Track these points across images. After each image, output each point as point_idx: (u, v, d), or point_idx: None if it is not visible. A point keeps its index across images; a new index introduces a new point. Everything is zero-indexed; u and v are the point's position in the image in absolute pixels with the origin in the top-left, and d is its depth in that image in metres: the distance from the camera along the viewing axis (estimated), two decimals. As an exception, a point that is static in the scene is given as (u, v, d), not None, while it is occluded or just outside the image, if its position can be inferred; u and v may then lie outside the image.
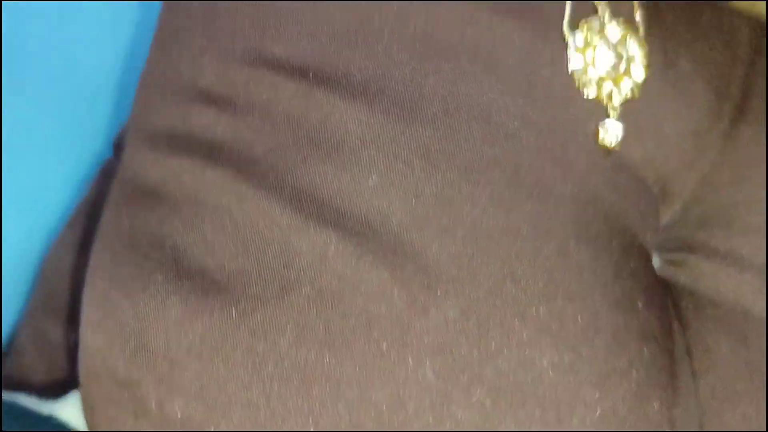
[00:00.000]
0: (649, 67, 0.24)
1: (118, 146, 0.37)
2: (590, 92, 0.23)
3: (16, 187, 0.42)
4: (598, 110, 0.24)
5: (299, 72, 0.23)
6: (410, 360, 0.20)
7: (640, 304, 0.23)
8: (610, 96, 0.23)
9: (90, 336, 0.22)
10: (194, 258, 0.22)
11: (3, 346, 0.37)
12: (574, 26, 0.23)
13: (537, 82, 0.23)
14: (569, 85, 0.23)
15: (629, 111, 0.24)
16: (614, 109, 0.23)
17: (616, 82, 0.23)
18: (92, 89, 0.43)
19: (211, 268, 0.22)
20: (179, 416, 0.20)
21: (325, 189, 0.22)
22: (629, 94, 0.23)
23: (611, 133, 0.23)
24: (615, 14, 0.24)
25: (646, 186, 0.24)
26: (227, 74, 0.24)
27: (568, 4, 0.23)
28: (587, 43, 0.23)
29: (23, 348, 0.35)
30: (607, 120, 0.23)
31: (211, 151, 0.23)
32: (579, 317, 0.21)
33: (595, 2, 0.24)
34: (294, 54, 0.23)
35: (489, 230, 0.21)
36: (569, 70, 0.23)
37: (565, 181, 0.23)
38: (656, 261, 0.26)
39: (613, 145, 0.23)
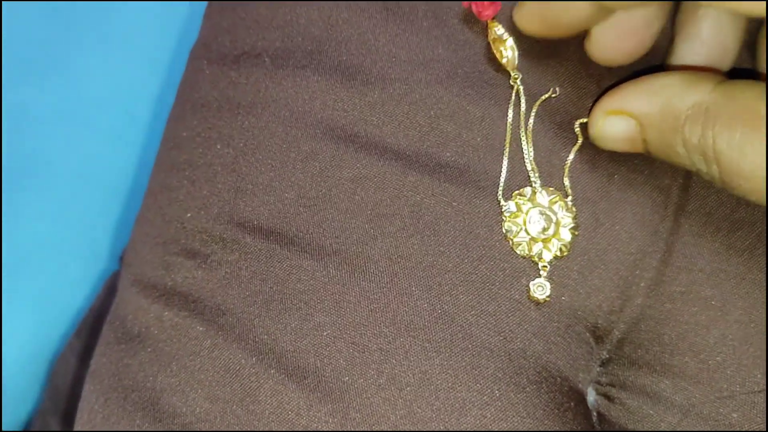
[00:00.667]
0: (576, 228, 0.27)
1: (122, 259, 0.40)
2: (522, 251, 0.26)
3: (31, 288, 0.45)
4: (530, 267, 0.27)
5: (265, 233, 0.27)
6: None
7: None
8: (540, 255, 0.27)
9: None
10: (168, 401, 0.25)
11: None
12: (507, 196, 0.27)
13: (472, 243, 0.26)
14: (503, 244, 0.27)
15: (559, 267, 0.27)
16: (544, 267, 0.26)
17: (545, 243, 0.27)
18: (100, 203, 0.47)
19: (182, 412, 0.25)
20: None
21: (283, 341, 0.25)
22: (558, 253, 0.27)
23: (540, 290, 0.26)
24: (546, 182, 0.27)
25: (577, 331, 0.27)
26: (205, 232, 0.28)
27: (502, 175, 0.27)
28: (519, 209, 0.27)
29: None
30: (537, 279, 0.26)
31: (187, 303, 0.27)
32: None
33: (528, 170, 0.27)
34: (261, 216, 0.27)
35: (425, 382, 0.25)
36: (504, 231, 0.26)
37: (496, 334, 0.26)
38: (592, 394, 0.28)
39: (542, 299, 0.26)
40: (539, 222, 0.27)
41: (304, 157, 0.28)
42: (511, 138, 0.27)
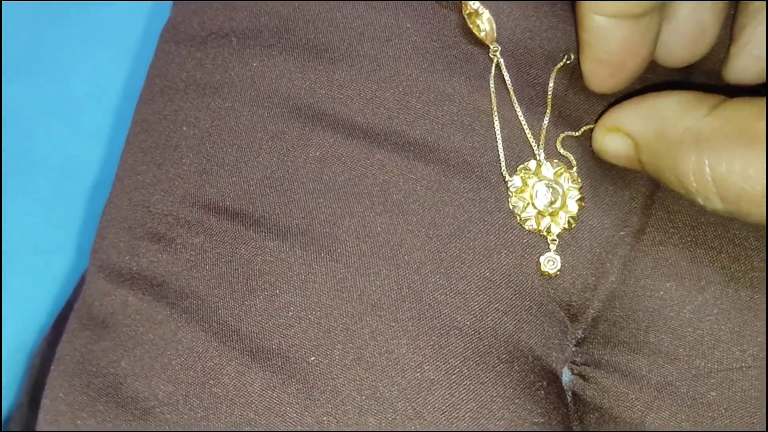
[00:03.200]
0: (582, 200, 0.26)
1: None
2: (530, 226, 0.26)
3: (12, 284, 0.45)
4: (501, 245, 0.26)
5: (231, 214, 0.26)
6: None
7: (538, 426, 0.25)
8: (548, 229, 0.26)
9: None
10: (131, 386, 0.25)
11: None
12: (512, 171, 0.26)
13: (442, 221, 0.26)
14: (472, 223, 0.26)
15: (531, 243, 0.26)
16: (553, 240, 0.26)
17: (553, 216, 0.26)
18: (84, 200, 0.47)
19: (145, 396, 0.24)
20: None
21: (248, 323, 0.25)
22: (566, 226, 0.26)
23: (551, 264, 0.26)
24: (549, 155, 0.27)
25: (549, 310, 0.26)
26: (170, 215, 0.27)
27: (501, 152, 0.26)
28: (525, 184, 0.26)
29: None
30: (547, 253, 0.26)
31: (152, 287, 0.26)
32: None
33: (532, 144, 0.27)
34: (227, 197, 0.27)
35: (392, 362, 0.24)
36: (510, 207, 0.26)
37: (465, 313, 0.25)
38: (567, 374, 0.28)
39: (553, 273, 0.26)
40: (546, 195, 0.26)
41: (271, 137, 0.27)
42: (494, 111, 0.27)
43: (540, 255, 0.26)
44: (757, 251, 0.26)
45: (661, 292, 0.26)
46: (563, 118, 0.27)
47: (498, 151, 0.27)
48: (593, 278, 0.27)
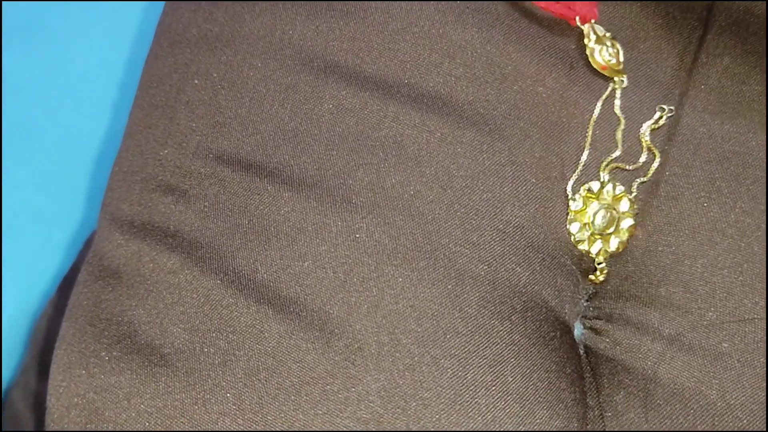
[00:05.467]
0: (635, 226, 0.27)
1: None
2: (583, 247, 0.26)
3: (15, 253, 0.45)
4: (512, 196, 0.26)
5: (245, 166, 0.26)
6: (334, 427, 0.23)
7: (552, 374, 0.25)
8: (598, 252, 0.27)
9: (54, 402, 0.25)
10: (146, 334, 0.25)
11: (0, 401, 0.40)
12: (576, 189, 0.26)
13: (456, 173, 0.26)
14: (486, 175, 0.26)
15: (547, 198, 0.26)
16: (599, 264, 0.27)
17: (604, 240, 0.27)
18: (87, 162, 0.46)
19: (160, 343, 0.24)
20: None
21: (264, 272, 0.25)
22: (614, 251, 0.27)
23: (600, 276, 0.27)
24: (613, 177, 0.27)
25: (562, 263, 0.27)
26: (183, 167, 0.27)
27: (578, 169, 0.26)
28: (585, 205, 0.26)
29: (16, 403, 0.38)
30: (599, 273, 0.27)
31: (166, 237, 0.26)
32: (491, 387, 0.24)
33: (601, 165, 0.27)
34: (240, 148, 0.27)
35: (408, 310, 0.24)
36: (567, 228, 0.26)
37: (480, 263, 0.25)
38: (579, 328, 0.28)
39: (600, 280, 0.27)
40: (603, 220, 0.26)
41: (283, 89, 0.27)
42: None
43: (553, 208, 0.26)
44: None
45: (674, 247, 0.26)
46: (575, 71, 0.27)
47: (578, 167, 0.27)
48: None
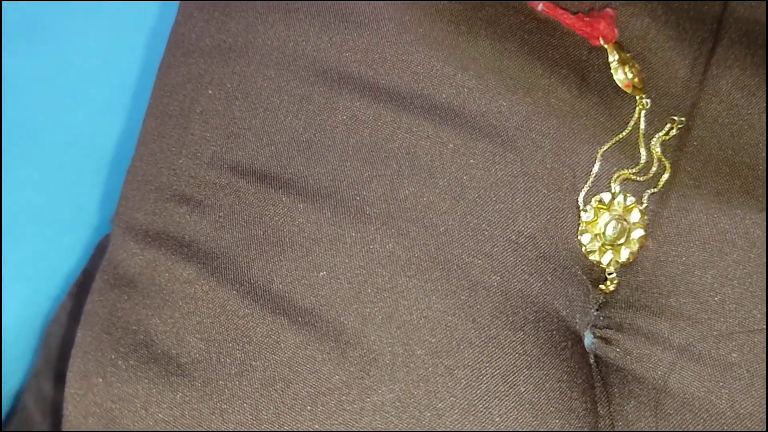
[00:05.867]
0: (645, 237, 0.27)
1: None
2: (594, 258, 0.27)
3: (24, 256, 0.45)
4: (525, 207, 0.26)
5: (259, 176, 0.27)
6: None
7: (564, 384, 0.25)
8: (609, 263, 0.27)
9: (71, 409, 0.25)
10: (162, 343, 0.25)
11: (11, 404, 0.40)
12: (587, 200, 0.27)
13: (469, 184, 0.26)
14: (498, 186, 0.26)
15: (557, 209, 0.27)
16: (610, 273, 0.27)
17: (615, 251, 0.27)
18: (95, 165, 0.47)
19: (177, 353, 0.25)
20: None
21: (279, 282, 0.25)
22: (625, 261, 0.27)
23: (611, 285, 0.27)
24: (624, 188, 0.27)
25: (573, 273, 0.27)
26: (197, 177, 0.27)
27: (588, 182, 0.27)
28: (596, 215, 0.27)
29: (28, 407, 0.38)
30: (610, 283, 0.27)
31: (181, 247, 0.26)
32: (504, 397, 0.24)
33: (612, 177, 0.27)
34: (255, 159, 0.27)
35: (421, 321, 0.24)
36: (578, 239, 0.26)
37: (493, 274, 0.25)
38: (589, 337, 0.28)
39: (613, 289, 0.27)
40: (614, 231, 0.27)
41: (297, 100, 0.27)
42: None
43: (564, 219, 0.27)
44: None
45: (684, 258, 0.27)
46: (587, 83, 0.27)
47: (589, 178, 0.27)
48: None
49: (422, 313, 0.24)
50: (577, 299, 0.27)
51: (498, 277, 0.25)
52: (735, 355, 0.25)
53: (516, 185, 0.26)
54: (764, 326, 0.26)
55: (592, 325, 0.28)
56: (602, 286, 0.27)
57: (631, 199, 0.27)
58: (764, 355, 0.25)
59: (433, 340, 0.24)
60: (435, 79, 0.27)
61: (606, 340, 0.27)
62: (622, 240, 0.27)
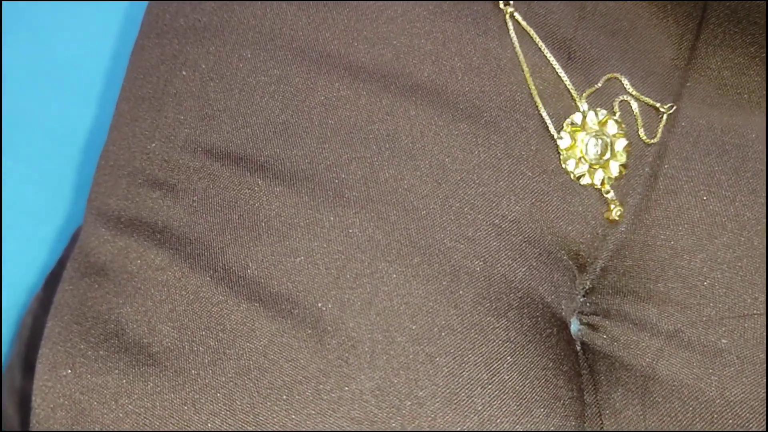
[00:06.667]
0: (630, 145, 0.26)
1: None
2: (586, 181, 0.26)
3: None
4: (507, 191, 0.26)
5: (235, 159, 0.26)
6: (327, 427, 0.22)
7: (549, 372, 0.24)
8: (602, 181, 0.26)
9: (39, 402, 0.24)
10: (134, 332, 0.24)
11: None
12: (558, 128, 0.26)
13: (451, 167, 0.25)
14: (482, 168, 0.25)
15: (541, 192, 0.26)
16: (607, 191, 0.26)
17: (605, 168, 0.26)
18: (69, 155, 0.46)
19: (148, 342, 0.24)
20: None
21: (255, 268, 0.24)
22: (618, 174, 0.26)
23: (615, 210, 0.26)
24: (593, 104, 0.26)
25: (558, 258, 0.26)
26: (171, 161, 0.26)
27: (544, 113, 0.26)
28: (573, 139, 0.26)
29: (3, 401, 0.37)
30: (613, 207, 0.26)
31: (154, 233, 0.25)
32: (488, 385, 0.23)
33: (573, 94, 0.26)
34: (230, 142, 0.26)
35: (402, 307, 0.23)
36: (562, 166, 0.26)
37: (476, 259, 0.25)
38: (576, 324, 0.27)
39: (618, 218, 0.26)
40: (596, 148, 0.26)
41: (274, 80, 0.26)
42: (523, 64, 0.26)
43: (550, 203, 0.26)
44: None
45: (672, 242, 0.26)
46: (573, 61, 0.27)
47: (537, 107, 0.26)
48: (602, 228, 0.26)
49: (403, 300, 0.24)
50: (563, 285, 0.26)
51: (481, 263, 0.25)
52: (725, 341, 0.25)
53: (500, 168, 0.26)
54: (755, 311, 0.25)
55: (579, 312, 0.27)
56: (606, 214, 0.26)
57: (603, 113, 0.26)
58: (755, 341, 0.25)
59: (414, 327, 0.23)
60: (417, 57, 0.26)
61: (593, 327, 0.27)
62: (608, 155, 0.26)
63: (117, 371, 0.23)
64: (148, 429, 0.23)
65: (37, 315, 0.36)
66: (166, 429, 0.23)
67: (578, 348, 0.27)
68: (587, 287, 0.27)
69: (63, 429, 0.23)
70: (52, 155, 0.47)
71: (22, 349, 0.36)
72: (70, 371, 0.24)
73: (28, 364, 0.35)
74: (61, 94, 0.48)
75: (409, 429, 0.22)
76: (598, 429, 0.25)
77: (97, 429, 0.23)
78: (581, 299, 0.27)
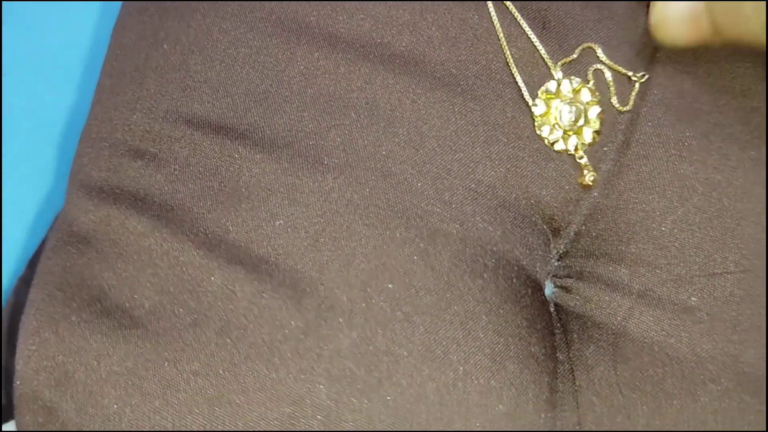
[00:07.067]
0: (603, 112, 0.27)
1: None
2: (560, 147, 0.27)
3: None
4: (486, 158, 0.26)
5: (215, 128, 0.26)
6: (306, 384, 0.23)
7: (523, 330, 0.25)
8: (576, 147, 0.27)
9: (23, 367, 0.24)
10: (116, 297, 0.24)
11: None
12: (533, 95, 0.27)
13: (428, 133, 0.26)
14: (458, 135, 0.26)
15: (516, 157, 0.26)
16: (581, 157, 0.27)
17: (578, 134, 0.27)
18: (52, 139, 0.46)
19: (130, 306, 0.24)
20: None
21: (235, 232, 0.25)
22: (591, 141, 0.27)
23: (588, 175, 0.27)
24: (567, 72, 0.27)
25: (532, 222, 0.27)
26: (152, 131, 0.27)
27: (519, 80, 0.26)
28: (548, 106, 0.27)
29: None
30: (587, 172, 0.27)
31: (136, 201, 0.26)
32: (463, 342, 0.24)
33: (548, 63, 0.27)
34: (211, 111, 0.26)
35: (380, 267, 0.24)
36: (537, 133, 0.26)
37: (452, 221, 0.25)
38: (550, 287, 0.28)
39: (592, 183, 0.27)
40: (570, 115, 0.26)
41: (254, 51, 0.27)
42: (499, 32, 0.27)
43: (525, 168, 0.27)
44: (740, 162, 0.26)
45: (644, 205, 0.26)
46: (548, 31, 0.27)
47: (513, 75, 0.27)
48: (575, 193, 0.27)
49: (380, 261, 0.24)
50: (538, 248, 0.27)
51: (457, 225, 0.25)
52: (695, 299, 0.25)
53: (476, 134, 0.26)
54: (725, 270, 0.26)
55: (553, 275, 0.28)
56: (580, 179, 0.27)
57: (576, 80, 0.27)
58: (724, 299, 0.25)
59: (391, 287, 0.24)
60: (395, 27, 0.27)
61: (566, 289, 0.27)
62: (581, 122, 0.26)
63: (99, 334, 0.24)
64: (132, 389, 0.23)
65: (21, 292, 0.36)
66: (148, 389, 0.23)
67: (552, 309, 0.27)
68: (561, 251, 0.28)
69: (47, 390, 0.24)
70: (33, 141, 0.47)
71: (5, 326, 0.36)
72: (53, 335, 0.24)
73: (11, 341, 0.35)
74: (39, 83, 0.48)
75: (386, 384, 0.23)
76: (570, 384, 0.25)
77: (80, 389, 0.23)
78: (556, 263, 0.28)
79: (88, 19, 0.49)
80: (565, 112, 0.27)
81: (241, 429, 0.22)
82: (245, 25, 0.27)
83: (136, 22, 0.29)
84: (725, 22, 0.24)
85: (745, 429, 0.24)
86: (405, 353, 0.23)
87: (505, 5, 0.27)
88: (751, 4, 0.23)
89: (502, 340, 0.24)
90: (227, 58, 0.27)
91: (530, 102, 0.27)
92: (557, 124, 0.27)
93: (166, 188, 0.26)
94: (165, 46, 0.28)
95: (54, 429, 0.23)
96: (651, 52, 0.28)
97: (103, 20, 0.48)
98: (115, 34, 0.30)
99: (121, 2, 0.32)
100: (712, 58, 0.27)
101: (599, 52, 0.27)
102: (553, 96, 0.27)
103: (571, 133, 0.27)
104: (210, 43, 0.27)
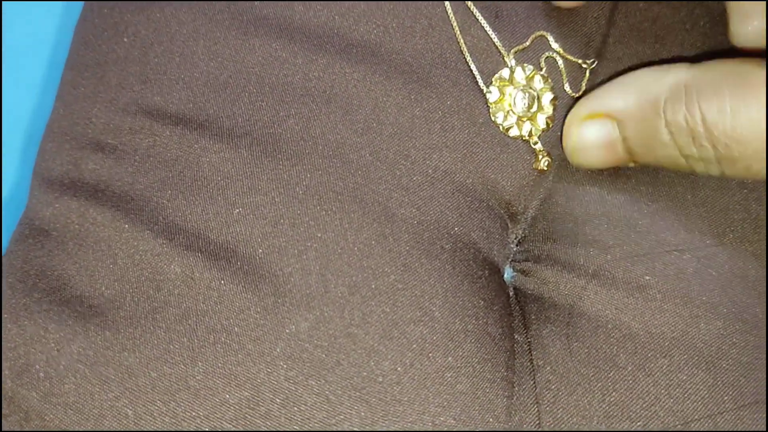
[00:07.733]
0: (556, 99, 0.27)
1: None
2: (515, 133, 0.27)
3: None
4: (443, 143, 0.27)
5: (175, 119, 0.26)
6: (265, 367, 0.23)
7: (480, 311, 0.25)
8: (530, 133, 0.27)
9: None
10: (76, 287, 0.25)
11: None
12: (487, 82, 0.27)
13: (385, 120, 0.26)
14: (413, 122, 0.27)
15: (471, 144, 0.27)
16: (535, 143, 0.27)
17: (532, 120, 0.27)
18: (23, 135, 0.46)
19: (90, 295, 0.24)
20: (58, 426, 0.23)
21: (194, 221, 0.25)
22: (545, 127, 0.27)
23: (543, 161, 0.27)
24: (520, 60, 0.27)
25: (489, 206, 0.27)
26: (112, 124, 0.27)
27: (473, 67, 0.27)
28: (502, 93, 0.27)
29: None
30: (541, 157, 0.27)
31: (96, 193, 0.26)
32: (419, 323, 0.24)
33: (501, 51, 0.27)
34: (171, 102, 0.27)
35: (337, 251, 0.24)
36: (492, 119, 0.27)
37: (410, 206, 0.26)
38: (509, 272, 0.28)
39: (546, 168, 0.27)
40: (523, 101, 0.27)
41: (212, 43, 0.27)
42: (452, 21, 0.27)
43: (481, 153, 0.27)
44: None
45: (597, 186, 0.27)
46: (501, 20, 0.28)
47: (467, 63, 0.27)
48: (531, 178, 0.28)
49: (338, 245, 0.25)
50: (495, 232, 0.27)
51: (415, 210, 0.26)
52: (647, 278, 0.26)
53: (432, 121, 0.27)
54: (675, 248, 0.26)
55: (513, 260, 0.28)
56: (535, 164, 0.27)
57: (529, 68, 0.27)
58: (676, 276, 0.26)
59: (349, 270, 0.24)
60: (352, 17, 0.27)
61: (524, 273, 0.28)
62: (535, 108, 0.27)
63: (59, 323, 0.24)
64: (91, 376, 0.23)
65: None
66: (108, 375, 0.23)
67: (511, 293, 0.28)
68: (520, 236, 0.28)
69: (8, 380, 0.24)
70: (12, 143, 0.47)
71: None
72: (14, 325, 0.24)
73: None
74: (5, 81, 0.48)
75: (344, 363, 0.23)
76: (528, 364, 0.26)
77: (42, 376, 0.23)
78: (515, 248, 0.28)
79: (53, 18, 0.49)
80: (519, 98, 0.27)
81: (201, 414, 0.23)
82: (204, 17, 0.28)
83: (97, 16, 0.29)
84: (640, 150, 0.25)
85: (700, 405, 0.25)
86: (363, 334, 0.24)
87: None
88: (666, 132, 0.23)
89: (458, 320, 0.25)
90: (186, 50, 0.27)
91: (484, 89, 0.27)
92: (511, 110, 0.27)
93: (126, 179, 0.26)
94: (125, 39, 0.28)
95: (17, 418, 0.23)
96: (600, 40, 0.28)
97: (68, 19, 0.48)
98: (77, 28, 0.31)
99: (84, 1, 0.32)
100: (660, 41, 0.28)
101: (551, 39, 0.28)
102: (506, 83, 0.27)
103: (525, 119, 0.27)
104: (168, 36, 0.28)
